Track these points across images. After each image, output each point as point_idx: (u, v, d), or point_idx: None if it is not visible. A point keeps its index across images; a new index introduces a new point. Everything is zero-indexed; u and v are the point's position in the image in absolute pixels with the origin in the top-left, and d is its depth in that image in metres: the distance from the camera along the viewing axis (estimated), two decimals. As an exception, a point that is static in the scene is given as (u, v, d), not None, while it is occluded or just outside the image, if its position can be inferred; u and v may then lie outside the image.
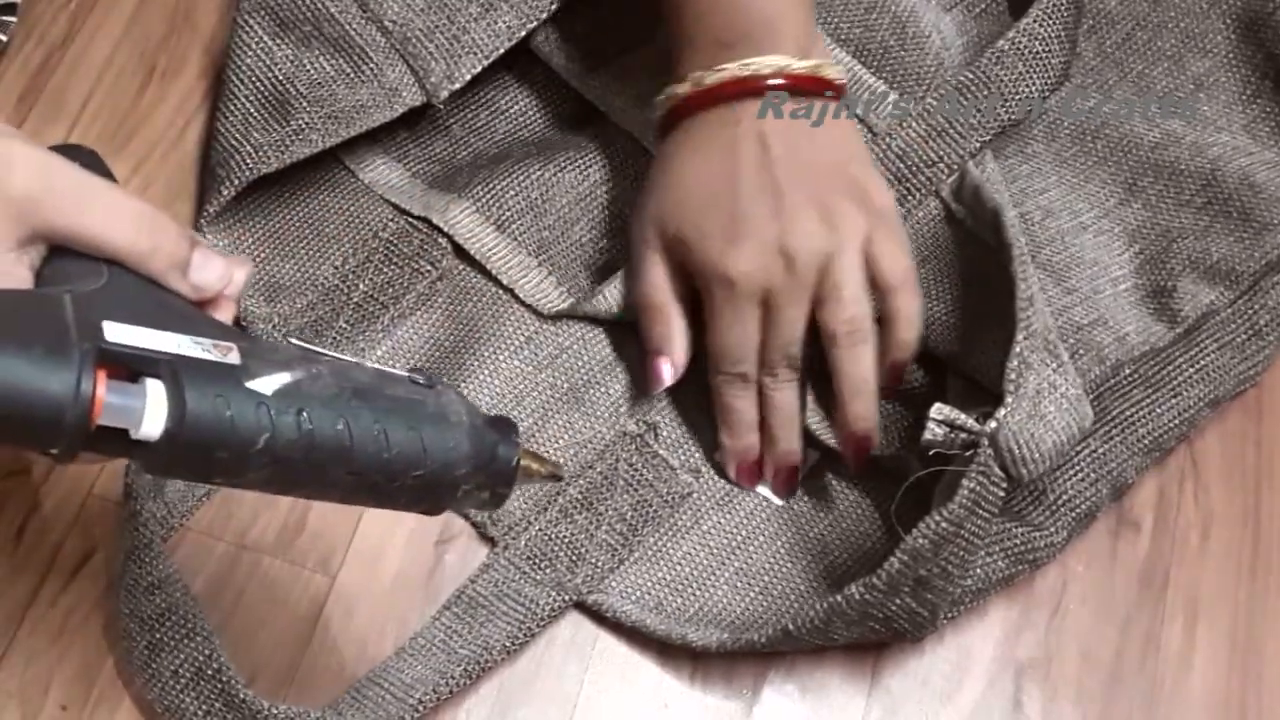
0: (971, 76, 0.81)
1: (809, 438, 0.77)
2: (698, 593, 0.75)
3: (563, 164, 0.83)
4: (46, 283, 0.54)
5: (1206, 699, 0.75)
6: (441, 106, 0.81)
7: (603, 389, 0.78)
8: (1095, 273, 0.80)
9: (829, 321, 0.74)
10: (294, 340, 0.58)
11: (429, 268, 0.80)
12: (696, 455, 0.78)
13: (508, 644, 0.72)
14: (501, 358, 0.78)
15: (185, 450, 0.52)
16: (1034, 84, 0.82)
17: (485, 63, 0.80)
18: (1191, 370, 0.78)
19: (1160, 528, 0.78)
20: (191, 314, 0.57)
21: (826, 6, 0.83)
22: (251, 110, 0.79)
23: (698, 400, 0.78)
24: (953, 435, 0.70)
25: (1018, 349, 0.70)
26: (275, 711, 0.67)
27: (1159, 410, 0.78)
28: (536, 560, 0.74)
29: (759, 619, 0.74)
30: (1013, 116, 0.81)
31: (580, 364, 0.79)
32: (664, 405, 0.78)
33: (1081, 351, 0.77)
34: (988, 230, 0.77)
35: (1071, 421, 0.71)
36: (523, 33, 0.81)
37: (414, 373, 0.58)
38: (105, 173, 0.62)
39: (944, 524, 0.68)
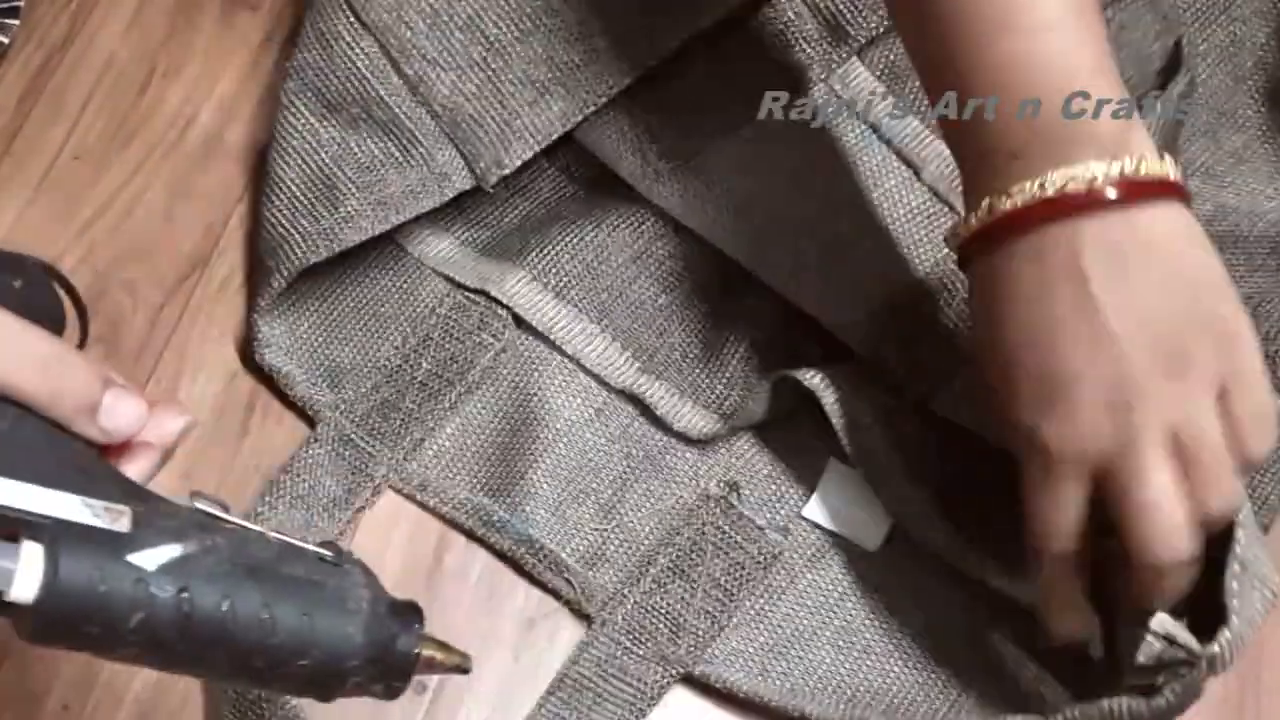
0: None
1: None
2: (801, 654, 0.73)
3: (615, 223, 0.81)
4: None
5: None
6: (491, 190, 0.79)
7: (679, 453, 0.77)
8: None
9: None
10: (200, 504, 0.53)
11: (491, 340, 0.78)
12: (782, 513, 0.76)
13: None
14: (574, 431, 0.77)
15: (55, 620, 0.49)
16: None
17: (536, 149, 0.79)
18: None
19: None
20: (94, 468, 0.53)
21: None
22: (299, 195, 0.77)
23: (777, 454, 0.77)
24: (1171, 651, 0.64)
25: (1236, 564, 0.63)
26: None
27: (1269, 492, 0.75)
28: (636, 635, 0.72)
29: (865, 680, 0.72)
30: None
31: (654, 430, 0.78)
32: (743, 464, 0.77)
33: None
34: None
35: (1260, 618, 0.65)
36: (577, 118, 0.79)
37: (323, 547, 0.54)
38: (51, 298, 0.59)
39: (1141, 708, 0.63)
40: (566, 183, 0.83)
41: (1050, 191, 0.61)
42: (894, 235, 0.79)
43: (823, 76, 0.81)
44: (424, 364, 0.78)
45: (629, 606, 0.73)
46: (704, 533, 0.74)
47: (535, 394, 0.78)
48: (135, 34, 0.86)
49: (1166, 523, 0.62)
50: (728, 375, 0.78)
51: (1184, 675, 0.63)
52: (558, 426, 0.77)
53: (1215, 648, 0.62)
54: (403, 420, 0.76)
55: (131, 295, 0.79)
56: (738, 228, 0.79)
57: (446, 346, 0.78)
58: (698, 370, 0.79)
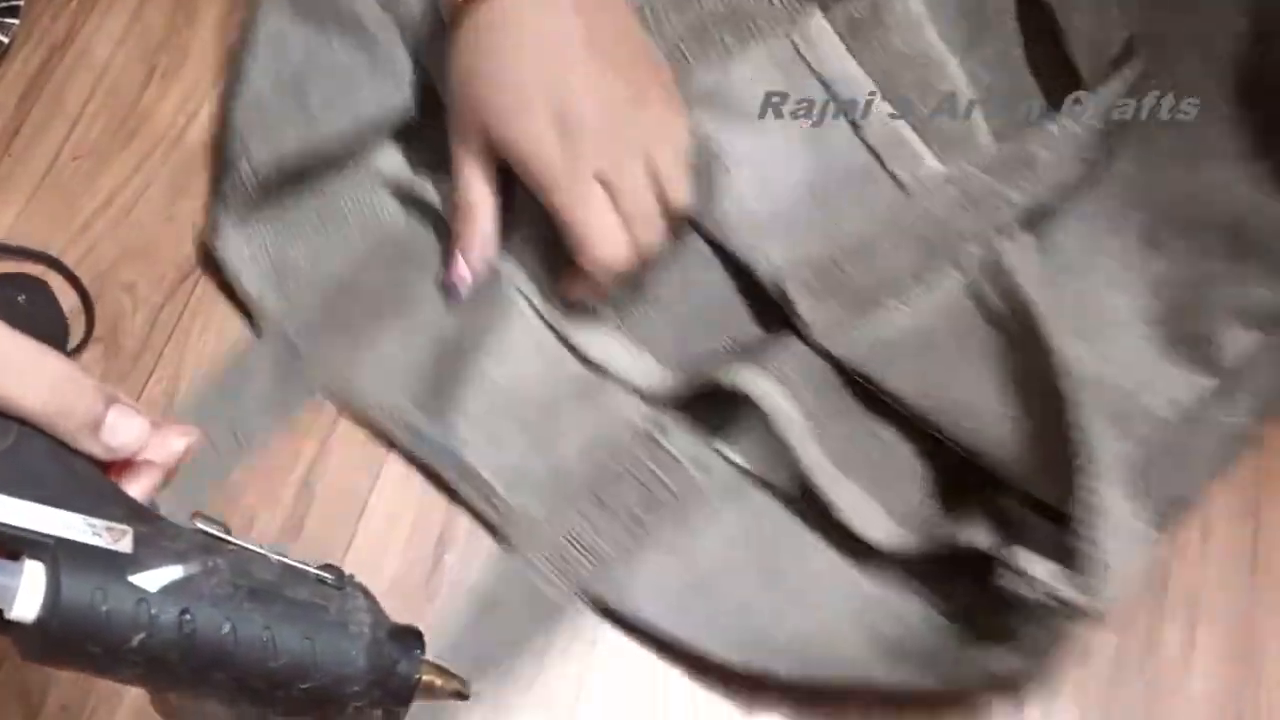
0: (1015, 152, 0.79)
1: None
2: (721, 592, 0.74)
3: None
4: None
5: (1206, 699, 0.75)
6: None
7: (612, 390, 0.78)
8: (1124, 332, 0.79)
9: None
10: (200, 523, 0.53)
11: (441, 266, 0.80)
12: (706, 451, 0.77)
13: (522, 641, 0.72)
14: (512, 357, 0.78)
15: (57, 639, 0.48)
16: (1075, 171, 0.80)
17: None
18: (1230, 422, 0.77)
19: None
20: (98, 486, 0.53)
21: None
22: (268, 94, 0.79)
23: (708, 398, 0.77)
24: (1025, 582, 0.68)
25: (1094, 497, 0.68)
26: None
27: (1192, 465, 0.77)
28: (553, 559, 0.74)
29: (783, 623, 0.73)
30: (1050, 200, 0.79)
31: (588, 364, 0.79)
32: (673, 404, 0.78)
33: (1137, 418, 0.75)
34: (1014, 322, 0.76)
35: (1139, 556, 0.69)
36: None
37: (325, 570, 0.54)
38: (54, 311, 0.61)
39: (1010, 655, 0.68)
40: None
41: None
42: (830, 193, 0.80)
43: (787, 31, 0.82)
44: (373, 278, 0.79)
45: (547, 530, 0.74)
46: (626, 464, 0.76)
47: (479, 318, 0.79)
48: (135, 34, 0.86)
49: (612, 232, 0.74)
50: (667, 325, 0.79)
51: (1044, 616, 0.67)
52: (496, 351, 0.78)
53: (1062, 585, 0.67)
54: (345, 329, 0.78)
55: (131, 295, 0.79)
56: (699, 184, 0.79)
57: (398, 265, 0.79)
58: (637, 320, 0.79)
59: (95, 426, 0.54)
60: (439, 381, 0.77)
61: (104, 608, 0.49)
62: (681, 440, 0.77)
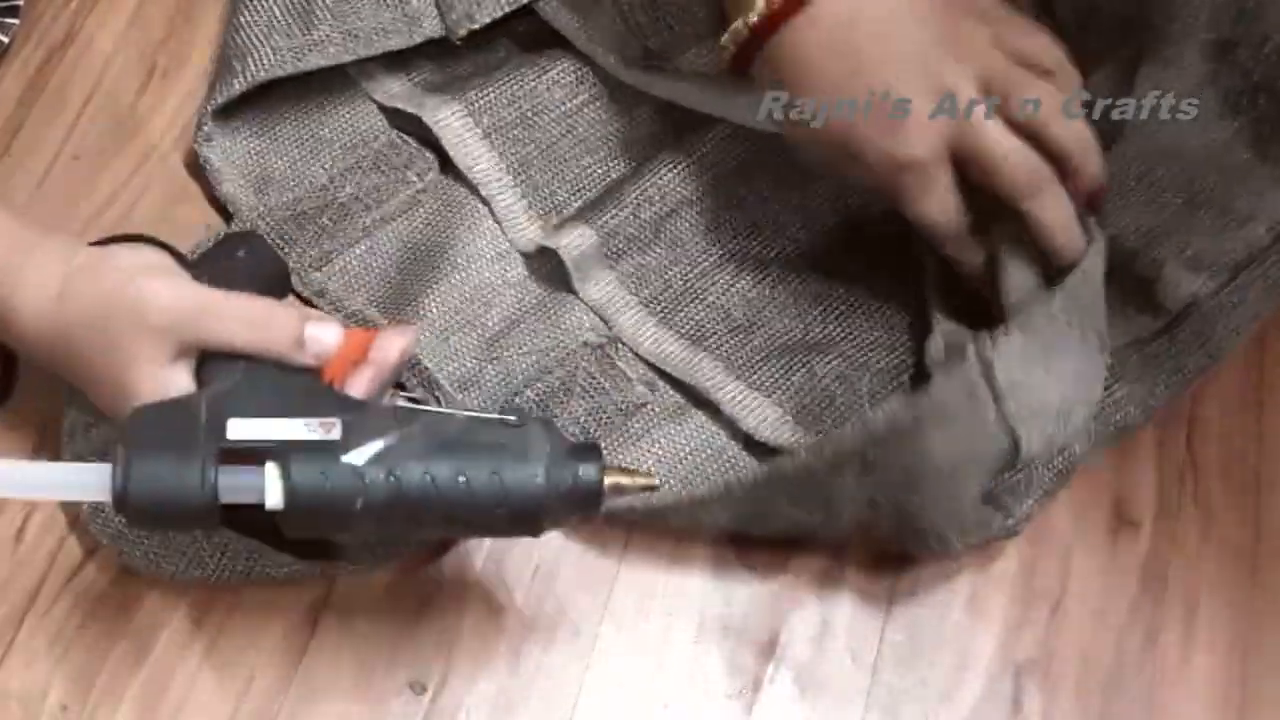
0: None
1: None
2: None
3: (557, 77, 0.84)
4: (201, 379, 0.65)
5: (1206, 699, 0.75)
6: (459, 42, 0.84)
7: (570, 306, 0.80)
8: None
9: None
10: (401, 399, 0.69)
11: (415, 179, 0.83)
12: (654, 371, 0.79)
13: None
14: (473, 267, 0.81)
15: (301, 516, 0.63)
16: None
17: (508, 9, 0.83)
18: (1168, 361, 0.79)
19: (1160, 528, 0.78)
20: (311, 391, 0.66)
21: None
22: (276, 13, 0.82)
23: (659, 316, 0.80)
24: (954, 350, 0.70)
25: (1053, 299, 0.70)
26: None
27: (1125, 400, 0.78)
28: None
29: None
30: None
31: (549, 286, 0.81)
32: (627, 322, 0.80)
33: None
34: None
35: (1081, 395, 0.71)
36: None
37: (505, 414, 0.66)
38: (271, 256, 0.73)
39: (904, 412, 0.68)
40: (528, 46, 0.87)
41: None
42: None
43: None
44: (347, 187, 0.83)
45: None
46: (575, 376, 0.78)
47: (445, 231, 0.82)
48: (135, 33, 0.86)
49: (1018, 157, 0.73)
50: (630, 250, 0.81)
51: (960, 365, 0.68)
52: (458, 261, 0.81)
53: (989, 344, 0.69)
54: (316, 233, 0.81)
55: (131, 295, 0.79)
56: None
57: (372, 176, 0.83)
58: (603, 236, 0.81)
59: (298, 343, 0.66)
60: (402, 287, 0.80)
61: (328, 485, 0.62)
62: (632, 361, 0.79)
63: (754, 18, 0.74)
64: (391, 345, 0.68)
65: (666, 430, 0.78)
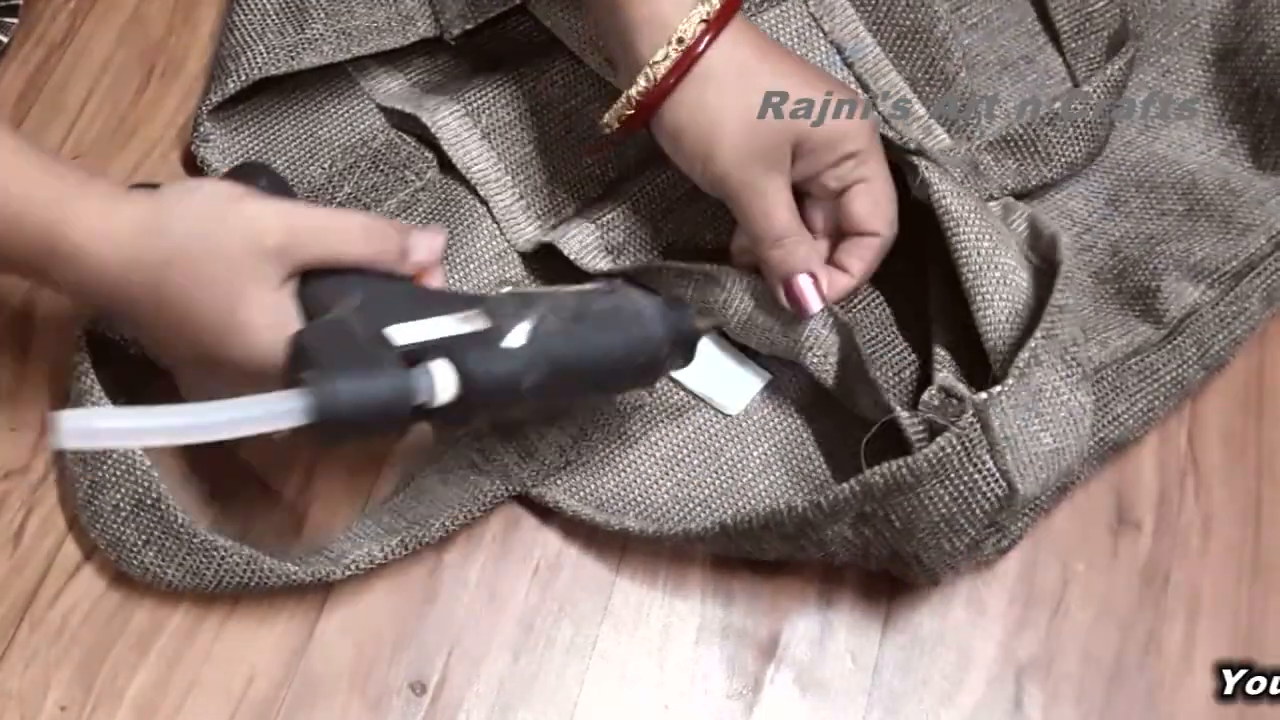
0: (1021, 133, 0.81)
1: (760, 359, 0.79)
2: (640, 497, 0.76)
3: (555, 78, 0.84)
4: (306, 302, 0.66)
5: (1207, 699, 0.75)
6: (453, 43, 0.84)
7: None
8: (1080, 289, 0.80)
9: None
10: (511, 289, 0.73)
11: (413, 178, 0.83)
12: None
13: (448, 524, 0.73)
14: (470, 268, 0.81)
15: (472, 404, 0.64)
16: (1079, 150, 0.83)
17: (501, 8, 0.84)
18: (1168, 373, 0.78)
19: (1161, 528, 0.78)
20: (430, 294, 0.69)
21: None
22: (270, 12, 0.82)
23: None
24: (949, 402, 0.70)
25: (1033, 344, 0.70)
26: (213, 539, 0.70)
27: (1125, 416, 0.78)
28: (488, 453, 0.75)
29: (694, 526, 0.75)
30: (1052, 177, 0.82)
31: (548, 285, 0.81)
32: None
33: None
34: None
35: (1071, 436, 0.70)
36: None
37: (597, 282, 0.71)
38: (288, 187, 0.73)
39: (903, 471, 0.68)
40: (525, 46, 0.86)
41: (688, 35, 0.73)
42: None
43: None
44: (346, 187, 0.83)
45: (485, 425, 0.76)
46: None
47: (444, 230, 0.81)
48: (135, 33, 0.86)
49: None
50: (630, 244, 0.81)
51: (958, 424, 0.69)
52: (457, 261, 0.81)
53: (984, 395, 0.69)
54: None
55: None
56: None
57: (370, 176, 0.83)
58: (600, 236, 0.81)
59: (405, 253, 0.68)
60: None
61: (497, 369, 0.64)
62: None
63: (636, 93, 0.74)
64: (438, 243, 0.70)
65: (666, 430, 0.78)
